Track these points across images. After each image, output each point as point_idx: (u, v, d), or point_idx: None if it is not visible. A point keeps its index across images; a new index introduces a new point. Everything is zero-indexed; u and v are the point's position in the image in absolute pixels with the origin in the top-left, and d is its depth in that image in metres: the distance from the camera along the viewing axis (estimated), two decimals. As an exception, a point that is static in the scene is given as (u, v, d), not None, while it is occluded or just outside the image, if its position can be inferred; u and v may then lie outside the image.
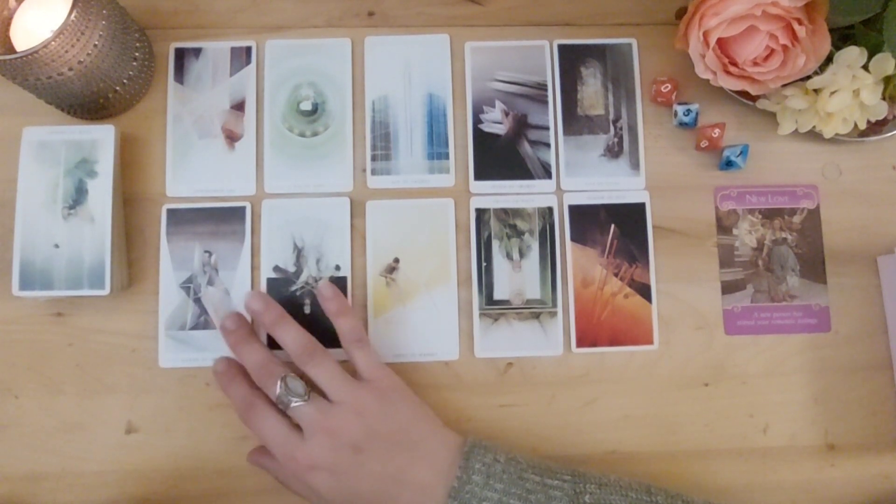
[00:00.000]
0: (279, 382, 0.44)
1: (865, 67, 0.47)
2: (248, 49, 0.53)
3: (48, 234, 0.47)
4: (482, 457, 0.43)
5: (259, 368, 0.45)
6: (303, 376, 0.45)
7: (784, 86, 0.49)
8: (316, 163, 0.52)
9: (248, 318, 0.49)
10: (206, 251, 0.51)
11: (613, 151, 0.53)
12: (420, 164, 0.52)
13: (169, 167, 0.52)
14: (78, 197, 0.48)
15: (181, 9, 0.54)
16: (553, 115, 0.53)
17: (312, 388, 0.44)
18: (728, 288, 0.52)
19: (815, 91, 0.48)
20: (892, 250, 0.51)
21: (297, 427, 0.44)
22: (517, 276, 0.51)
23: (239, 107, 0.52)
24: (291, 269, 0.51)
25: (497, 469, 0.42)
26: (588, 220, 0.52)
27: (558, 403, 0.50)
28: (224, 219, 0.51)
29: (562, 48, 0.54)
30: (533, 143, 0.53)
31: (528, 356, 0.51)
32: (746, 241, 0.52)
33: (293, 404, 0.43)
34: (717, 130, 0.51)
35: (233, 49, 0.53)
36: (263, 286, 0.50)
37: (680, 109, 0.52)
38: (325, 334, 0.47)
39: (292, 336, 0.46)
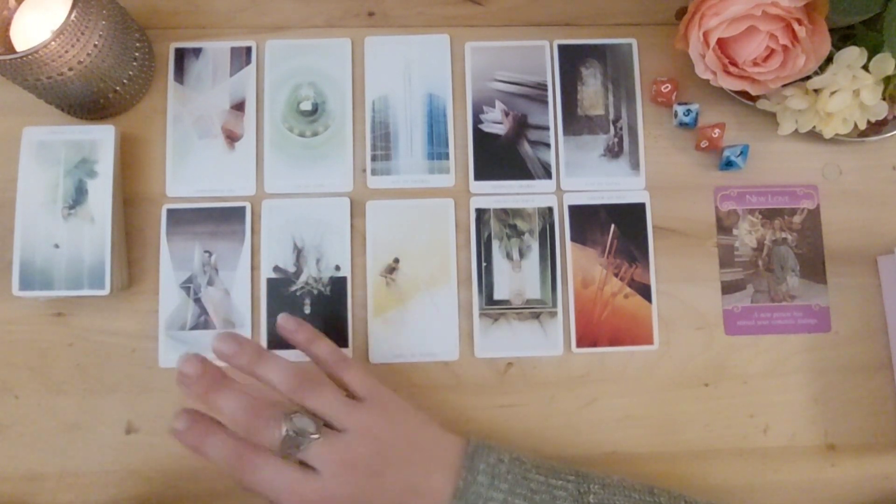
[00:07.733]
0: (284, 425, 0.38)
1: (865, 67, 0.47)
2: (248, 49, 0.53)
3: (48, 234, 0.47)
4: (486, 457, 0.43)
5: (246, 414, 0.39)
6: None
7: (784, 86, 0.49)
8: (316, 163, 0.52)
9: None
10: (206, 251, 0.50)
11: (613, 151, 0.53)
12: (420, 164, 0.52)
13: (169, 167, 0.52)
14: (78, 197, 0.48)
15: (181, 9, 0.54)
16: (553, 115, 0.53)
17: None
18: (728, 288, 0.52)
19: (815, 91, 0.48)
20: (892, 250, 0.51)
21: (299, 463, 0.40)
22: (517, 276, 0.51)
23: (239, 107, 0.52)
24: (291, 269, 0.51)
25: (502, 469, 0.42)
26: (588, 220, 0.52)
27: (558, 404, 0.50)
28: (224, 219, 0.51)
29: (562, 48, 0.54)
30: (533, 143, 0.53)
31: (528, 356, 0.51)
32: (746, 241, 0.52)
33: (303, 445, 0.39)
34: (717, 130, 0.51)
35: (233, 49, 0.53)
36: (263, 286, 0.50)
37: (680, 109, 0.52)
38: (327, 334, 0.46)
39: (280, 371, 0.41)
